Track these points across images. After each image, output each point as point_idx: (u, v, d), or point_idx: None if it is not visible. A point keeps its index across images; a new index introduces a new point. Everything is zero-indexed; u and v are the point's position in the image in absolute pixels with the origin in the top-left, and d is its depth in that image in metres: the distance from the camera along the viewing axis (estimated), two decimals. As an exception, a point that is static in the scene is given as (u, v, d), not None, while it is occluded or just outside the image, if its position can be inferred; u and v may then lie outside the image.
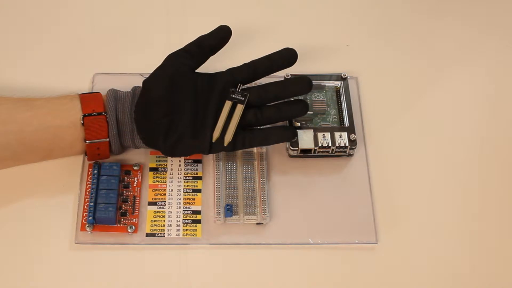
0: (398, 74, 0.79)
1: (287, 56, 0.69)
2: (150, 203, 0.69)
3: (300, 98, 0.71)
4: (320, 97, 0.74)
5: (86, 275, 0.66)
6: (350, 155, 0.72)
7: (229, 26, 0.70)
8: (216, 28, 0.70)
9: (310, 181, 0.71)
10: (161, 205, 0.69)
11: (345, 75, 0.75)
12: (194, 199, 0.70)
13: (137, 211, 0.68)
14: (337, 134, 0.71)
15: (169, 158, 0.71)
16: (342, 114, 0.73)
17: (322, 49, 0.80)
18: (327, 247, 0.68)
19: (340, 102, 0.74)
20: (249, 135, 0.68)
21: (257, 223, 0.68)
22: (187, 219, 0.68)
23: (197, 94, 0.68)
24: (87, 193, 0.68)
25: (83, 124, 0.66)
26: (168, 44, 0.73)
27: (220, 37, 0.70)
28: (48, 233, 0.67)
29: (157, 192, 0.70)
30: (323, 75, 0.76)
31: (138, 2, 0.83)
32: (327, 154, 0.72)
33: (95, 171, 0.69)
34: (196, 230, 0.68)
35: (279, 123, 0.71)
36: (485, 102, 0.78)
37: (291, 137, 0.70)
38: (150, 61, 0.69)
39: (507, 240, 0.69)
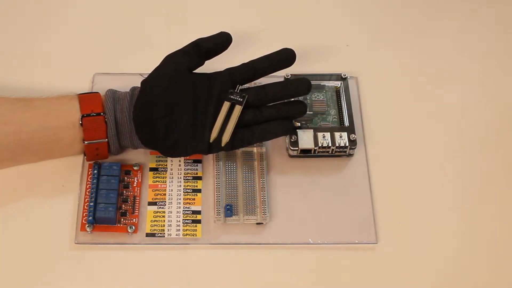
0: (398, 74, 0.79)
1: (286, 56, 0.69)
2: (150, 203, 0.69)
3: (299, 98, 0.71)
4: (320, 97, 0.74)
5: (86, 275, 0.66)
6: (350, 155, 0.72)
7: (230, 34, 0.69)
8: (217, 33, 0.70)
9: (310, 181, 0.71)
10: (161, 205, 0.69)
11: (345, 75, 0.75)
12: (194, 199, 0.70)
13: (137, 211, 0.68)
14: (337, 134, 0.71)
15: (169, 158, 0.71)
16: (342, 114, 0.73)
17: (322, 49, 0.80)
18: (327, 247, 0.68)
19: (340, 102, 0.74)
20: (247, 133, 0.68)
21: (257, 223, 0.68)
22: (187, 219, 0.68)
23: (195, 94, 0.68)
24: (87, 193, 0.68)
25: (81, 124, 0.66)
26: (168, 44, 0.73)
27: (219, 42, 0.70)
28: (48, 233, 0.67)
29: (157, 192, 0.70)
30: (323, 75, 0.76)
31: (138, 2, 0.83)
32: (327, 154, 0.72)
33: (95, 171, 0.69)
34: (196, 230, 0.68)
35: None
36: (486, 102, 0.78)
37: (289, 131, 0.70)
38: (150, 61, 0.69)
39: (507, 240, 0.69)
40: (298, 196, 0.70)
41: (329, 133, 0.71)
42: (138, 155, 0.71)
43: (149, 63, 0.69)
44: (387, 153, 0.73)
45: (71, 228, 0.67)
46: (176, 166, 0.71)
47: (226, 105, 0.68)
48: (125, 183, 0.69)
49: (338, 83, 0.75)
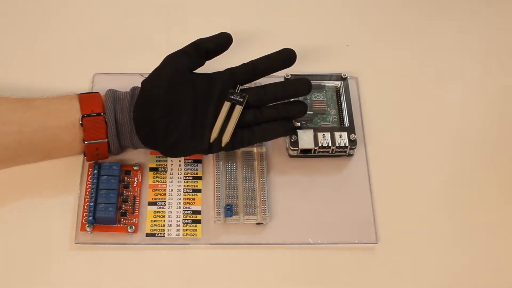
0: (398, 74, 0.79)
1: (286, 57, 0.69)
2: (150, 203, 0.69)
3: (299, 99, 0.71)
4: (320, 97, 0.74)
5: (86, 275, 0.66)
6: (350, 155, 0.72)
7: (231, 34, 0.70)
8: (217, 34, 0.70)
9: (310, 181, 0.71)
10: (161, 205, 0.69)
11: (345, 75, 0.75)
12: (194, 199, 0.70)
13: (137, 211, 0.68)
14: (337, 134, 0.71)
15: (169, 158, 0.71)
16: (342, 114, 0.73)
17: (322, 49, 0.80)
18: (327, 247, 0.68)
19: (340, 102, 0.74)
20: (248, 133, 0.68)
21: (257, 223, 0.68)
22: (187, 219, 0.68)
23: (196, 95, 0.68)
24: (87, 193, 0.68)
25: (82, 124, 0.66)
26: (168, 44, 0.73)
27: (219, 42, 0.70)
28: (48, 233, 0.67)
29: (157, 192, 0.70)
30: (323, 75, 0.76)
31: (138, 2, 0.83)
32: (327, 154, 0.72)
33: (95, 171, 0.69)
34: (196, 230, 0.68)
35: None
36: (486, 102, 0.78)
37: (289, 131, 0.70)
38: (150, 61, 0.69)
39: (507, 240, 0.69)
40: (298, 196, 0.70)
41: (329, 133, 0.71)
42: (138, 155, 0.71)
43: (149, 63, 0.69)
44: (387, 153, 0.73)
45: (71, 228, 0.67)
46: (176, 166, 0.71)
47: (226, 105, 0.68)
48: (125, 183, 0.69)
49: (338, 83, 0.75)
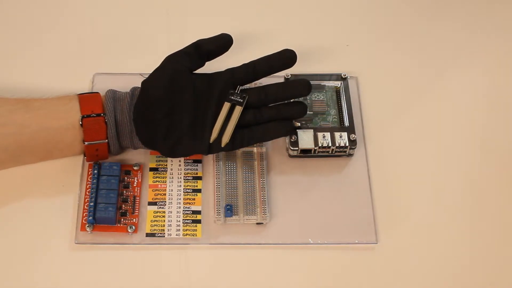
0: (398, 74, 0.79)
1: (286, 57, 0.69)
2: (150, 203, 0.69)
3: (299, 99, 0.71)
4: (320, 97, 0.74)
5: (86, 275, 0.66)
6: (350, 155, 0.72)
7: (231, 34, 0.70)
8: (218, 35, 0.70)
9: (310, 181, 0.71)
10: (161, 205, 0.69)
11: (345, 75, 0.75)
12: (194, 199, 0.70)
13: (137, 211, 0.68)
14: (337, 134, 0.71)
15: (169, 158, 0.71)
16: (342, 114, 0.73)
17: (322, 49, 0.80)
18: (327, 247, 0.68)
19: (340, 102, 0.74)
20: (247, 133, 0.68)
21: (257, 223, 0.68)
22: (187, 219, 0.68)
23: (196, 95, 0.68)
24: (87, 193, 0.68)
25: (81, 125, 0.66)
26: (168, 44, 0.73)
27: (220, 44, 0.70)
28: (48, 233, 0.67)
29: (157, 192, 0.70)
30: (323, 75, 0.76)
31: (138, 2, 0.83)
32: (327, 154, 0.72)
33: (95, 171, 0.69)
34: (196, 230, 0.68)
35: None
36: (485, 102, 0.78)
37: (289, 131, 0.70)
38: (150, 61, 0.69)
39: (507, 240, 0.69)
40: (298, 196, 0.70)
41: (329, 133, 0.71)
42: (138, 155, 0.71)
43: (149, 63, 0.69)
44: (387, 153, 0.73)
45: (71, 228, 0.67)
46: (176, 166, 0.71)
47: (226, 105, 0.68)
48: (125, 183, 0.70)
49: (338, 83, 0.75)
